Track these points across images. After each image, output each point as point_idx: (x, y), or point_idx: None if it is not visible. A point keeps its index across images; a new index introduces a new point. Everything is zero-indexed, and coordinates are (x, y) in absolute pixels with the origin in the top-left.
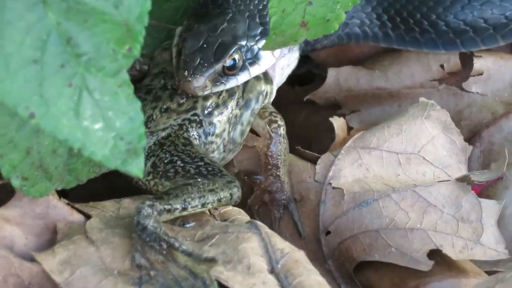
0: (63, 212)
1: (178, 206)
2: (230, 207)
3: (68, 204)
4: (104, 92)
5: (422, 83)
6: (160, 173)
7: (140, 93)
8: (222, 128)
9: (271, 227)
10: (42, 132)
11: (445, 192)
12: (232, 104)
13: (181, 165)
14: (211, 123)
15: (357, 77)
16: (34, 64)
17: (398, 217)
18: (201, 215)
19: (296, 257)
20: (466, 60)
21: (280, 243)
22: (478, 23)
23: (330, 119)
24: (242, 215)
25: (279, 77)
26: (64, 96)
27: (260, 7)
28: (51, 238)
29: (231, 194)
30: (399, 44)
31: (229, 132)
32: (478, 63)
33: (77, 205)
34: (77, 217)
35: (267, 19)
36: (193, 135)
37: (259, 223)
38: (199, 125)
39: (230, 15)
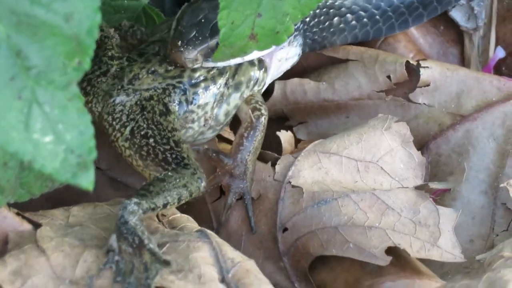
0: (13, 222)
1: (160, 203)
2: (178, 214)
3: (18, 214)
4: (54, 105)
5: (369, 95)
6: (136, 146)
7: (132, 55)
8: (205, 101)
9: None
10: None
11: (404, 198)
12: (221, 81)
13: (153, 144)
14: (195, 93)
15: (304, 89)
16: None
17: (357, 216)
18: (150, 223)
19: (247, 267)
20: (413, 71)
21: (231, 253)
22: None
23: (278, 133)
24: (190, 222)
25: (275, 70)
26: (14, 109)
27: None
28: (1, 249)
29: (198, 187)
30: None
31: (212, 108)
32: (425, 74)
33: (26, 214)
34: (28, 226)
35: None
36: (174, 100)
37: (209, 231)
38: (182, 92)
39: None
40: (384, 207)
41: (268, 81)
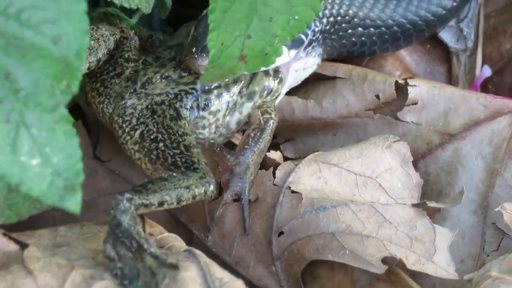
0: (0, 243)
1: (156, 201)
2: (166, 233)
3: (4, 234)
4: (42, 128)
5: (357, 113)
6: (145, 150)
7: (148, 58)
8: (217, 107)
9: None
10: None
11: (401, 213)
12: (234, 89)
13: (162, 148)
14: (207, 99)
15: (292, 107)
16: None
17: (355, 225)
18: None
19: (235, 286)
20: (401, 90)
21: (219, 272)
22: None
23: (268, 154)
24: (178, 242)
25: (292, 79)
26: (2, 131)
27: None
28: None
29: (205, 191)
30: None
31: (224, 115)
32: (413, 92)
33: (13, 235)
34: (14, 247)
35: None
36: (185, 105)
37: (197, 251)
38: (194, 98)
39: None
40: (381, 220)
41: (284, 91)
